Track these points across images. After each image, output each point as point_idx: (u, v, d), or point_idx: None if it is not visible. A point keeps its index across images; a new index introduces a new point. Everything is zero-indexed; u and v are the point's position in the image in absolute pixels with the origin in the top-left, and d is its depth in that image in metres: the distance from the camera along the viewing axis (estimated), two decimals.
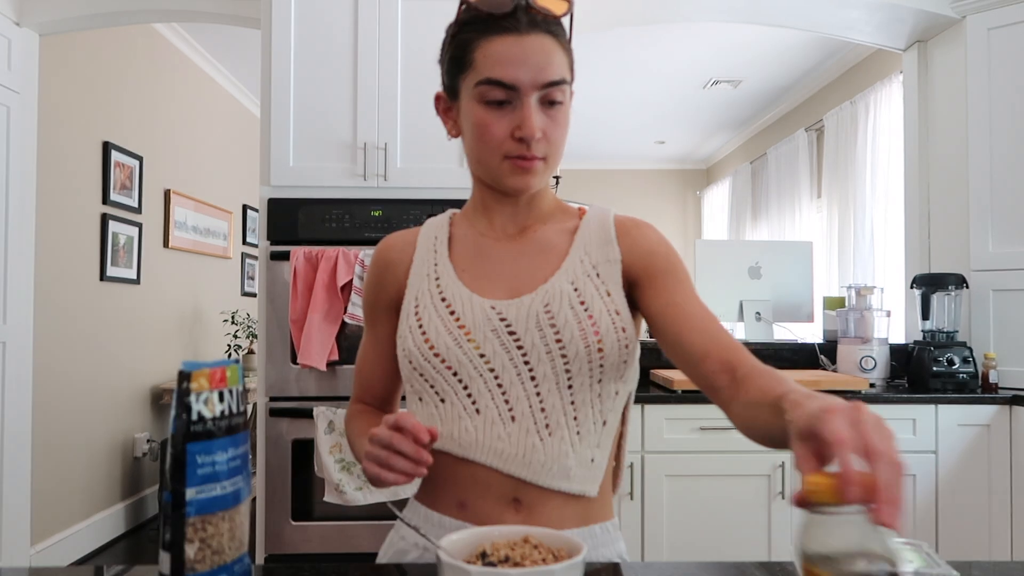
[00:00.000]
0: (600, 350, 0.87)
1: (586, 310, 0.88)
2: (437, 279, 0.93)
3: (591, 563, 0.89)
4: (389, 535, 0.98)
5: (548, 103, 0.86)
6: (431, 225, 1.02)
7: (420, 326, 0.90)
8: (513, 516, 0.87)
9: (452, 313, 0.90)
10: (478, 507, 0.88)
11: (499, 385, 0.87)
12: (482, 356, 0.88)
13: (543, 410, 0.87)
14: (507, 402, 0.87)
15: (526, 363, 0.87)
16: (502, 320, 0.88)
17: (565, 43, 0.88)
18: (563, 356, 0.87)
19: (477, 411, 0.88)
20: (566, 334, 0.87)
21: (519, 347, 0.87)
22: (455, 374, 0.88)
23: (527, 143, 0.85)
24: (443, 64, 0.93)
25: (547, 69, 0.84)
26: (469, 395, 0.88)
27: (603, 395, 0.90)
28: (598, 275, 0.91)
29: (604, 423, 0.90)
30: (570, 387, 0.87)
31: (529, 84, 0.84)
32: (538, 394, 0.87)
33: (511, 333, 0.88)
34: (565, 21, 0.89)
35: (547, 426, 0.87)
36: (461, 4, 0.88)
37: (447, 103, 0.95)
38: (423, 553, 0.91)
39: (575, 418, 0.88)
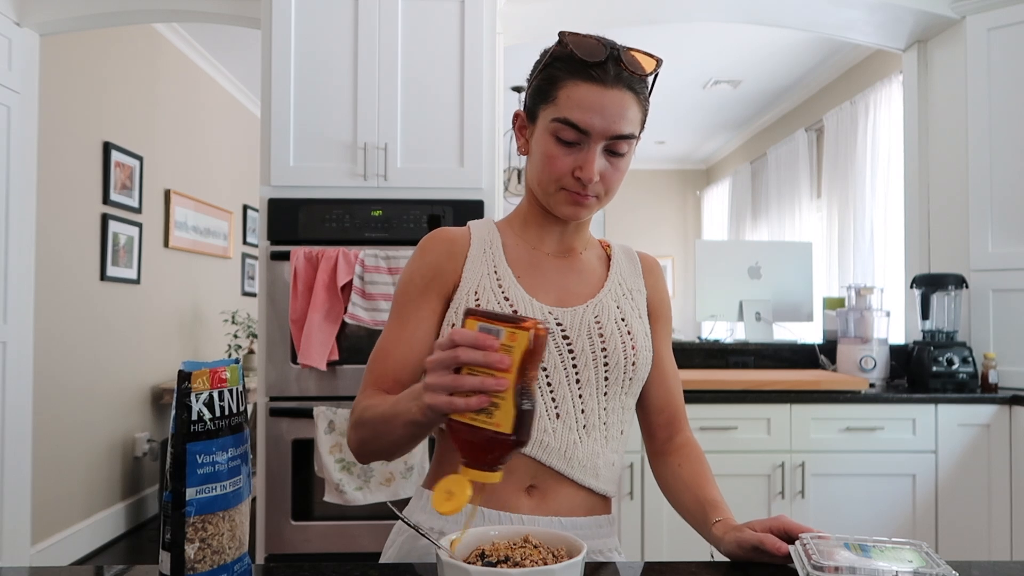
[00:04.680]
0: (634, 364, 0.98)
1: (626, 326, 0.99)
2: (499, 280, 0.98)
3: (594, 553, 0.94)
4: (397, 523, 1.01)
5: (612, 152, 0.93)
6: (480, 228, 1.05)
7: None
8: (527, 500, 0.93)
9: (515, 312, 0.96)
10: (495, 491, 0.92)
11: (548, 384, 0.95)
12: None
13: (583, 412, 0.96)
14: (553, 400, 0.95)
15: (574, 366, 0.96)
16: (559, 325, 0.96)
17: (643, 99, 0.95)
18: (605, 365, 0.96)
19: None
20: (611, 344, 0.96)
21: (570, 351, 0.96)
22: None
23: (583, 183, 0.92)
24: (529, 87, 0.98)
25: (620, 123, 0.91)
26: None
27: (625, 407, 1.01)
28: (632, 299, 1.04)
29: (622, 432, 1.01)
30: (605, 394, 0.97)
31: (599, 133, 0.91)
32: (580, 396, 0.96)
33: (565, 337, 0.96)
34: (649, 78, 0.96)
35: (584, 427, 0.96)
36: (559, 40, 0.93)
37: (524, 122, 1.00)
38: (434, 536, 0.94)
39: (605, 423, 0.98)
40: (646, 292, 1.06)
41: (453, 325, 0.95)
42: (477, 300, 0.96)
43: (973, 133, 2.76)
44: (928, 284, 2.73)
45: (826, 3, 2.90)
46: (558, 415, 0.94)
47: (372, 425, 0.88)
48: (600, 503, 0.99)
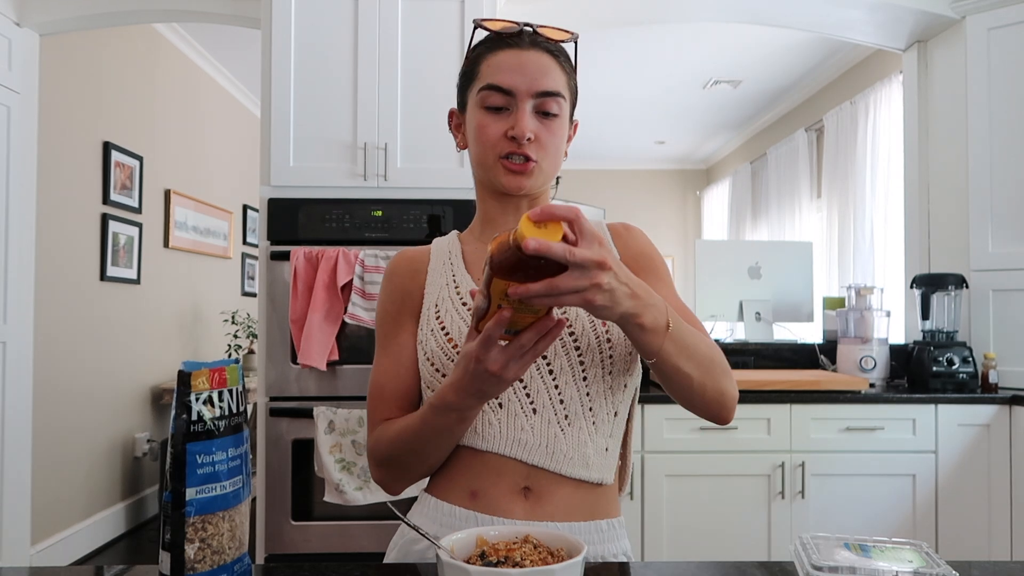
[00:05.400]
0: (608, 340, 0.93)
1: None
2: (457, 288, 0.98)
3: (595, 561, 0.91)
4: (401, 526, 1.01)
5: (543, 113, 0.94)
6: (441, 242, 1.07)
7: (442, 328, 0.94)
8: (523, 504, 0.90)
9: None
10: (489, 496, 0.91)
11: (520, 380, 0.91)
12: None
13: (561, 402, 0.92)
14: (528, 395, 0.92)
15: (543, 357, 0.92)
16: None
17: (566, 66, 0.97)
18: (576, 349, 0.92)
19: (500, 405, 0.92)
20: (578, 327, 0.92)
21: None
22: None
23: (518, 141, 0.92)
24: (458, 82, 1.01)
25: (542, 80, 0.93)
26: None
27: (614, 387, 0.95)
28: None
29: (615, 414, 0.96)
30: (584, 379, 0.93)
31: (524, 91, 0.92)
32: (556, 386, 0.92)
33: None
34: (569, 49, 0.98)
35: (566, 417, 0.92)
36: (475, 27, 0.97)
37: (458, 117, 1.02)
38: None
39: (591, 409, 0.93)
40: (617, 256, 0.98)
41: (422, 343, 0.95)
42: (438, 312, 0.95)
43: (973, 133, 2.76)
44: (928, 284, 2.73)
45: (826, 3, 2.90)
46: (535, 410, 0.92)
47: (412, 444, 0.90)
48: (602, 505, 0.94)
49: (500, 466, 0.91)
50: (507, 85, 0.92)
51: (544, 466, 0.90)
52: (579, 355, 0.92)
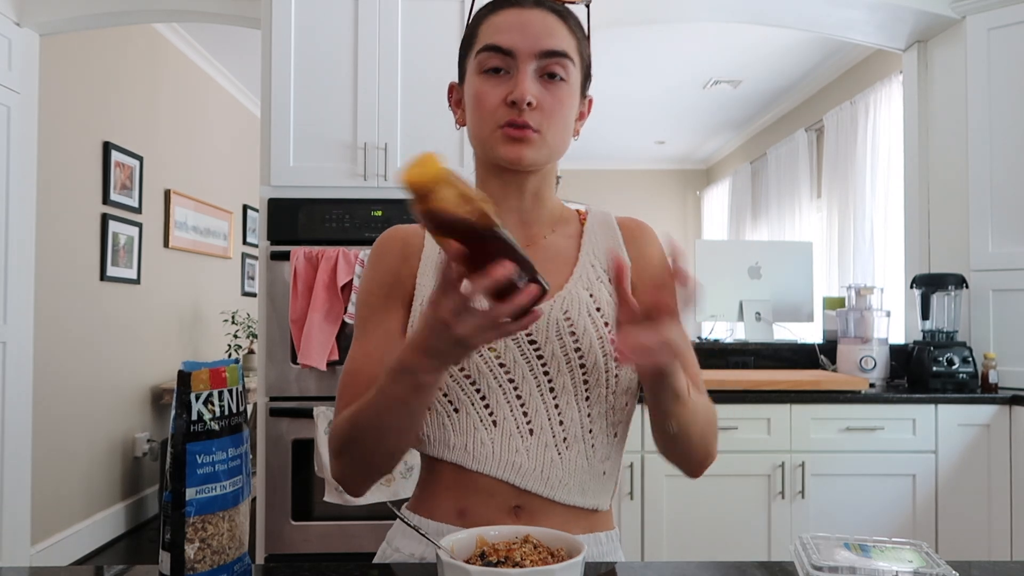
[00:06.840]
0: (616, 359, 0.86)
1: (602, 317, 0.87)
2: None
3: (591, 563, 0.89)
4: (381, 547, 0.94)
5: (548, 76, 0.84)
6: None
7: None
8: (514, 523, 0.85)
9: None
10: (478, 514, 0.85)
11: (518, 396, 0.85)
12: (502, 365, 0.86)
13: (561, 423, 0.86)
14: (525, 414, 0.85)
15: (545, 373, 0.86)
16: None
17: (576, 30, 0.88)
18: (582, 366, 0.86)
19: (494, 423, 0.85)
20: (584, 342, 0.85)
21: (539, 356, 0.86)
22: (473, 383, 0.85)
23: (518, 107, 0.82)
24: (458, 53, 0.93)
25: (545, 39, 0.83)
26: (486, 405, 0.86)
27: (615, 407, 0.89)
28: (609, 280, 0.91)
29: (615, 435, 0.90)
30: (587, 399, 0.86)
31: (526, 51, 0.83)
32: (556, 406, 0.86)
33: (531, 342, 0.86)
34: (579, 12, 0.89)
35: (564, 440, 0.86)
36: None
37: (458, 92, 0.93)
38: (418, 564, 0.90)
39: (590, 431, 0.87)
40: (631, 266, 0.92)
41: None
42: None
43: (973, 133, 2.76)
44: (928, 284, 2.73)
45: (826, 3, 2.90)
46: (531, 431, 0.85)
47: (369, 420, 0.79)
48: (597, 518, 0.89)
49: (490, 488, 0.85)
50: (506, 45, 0.83)
51: (537, 492, 0.84)
52: (584, 373, 0.85)
